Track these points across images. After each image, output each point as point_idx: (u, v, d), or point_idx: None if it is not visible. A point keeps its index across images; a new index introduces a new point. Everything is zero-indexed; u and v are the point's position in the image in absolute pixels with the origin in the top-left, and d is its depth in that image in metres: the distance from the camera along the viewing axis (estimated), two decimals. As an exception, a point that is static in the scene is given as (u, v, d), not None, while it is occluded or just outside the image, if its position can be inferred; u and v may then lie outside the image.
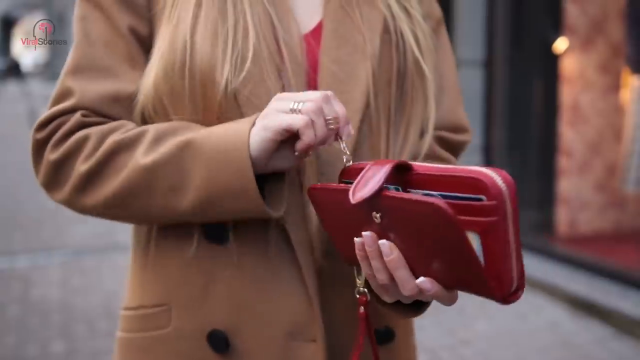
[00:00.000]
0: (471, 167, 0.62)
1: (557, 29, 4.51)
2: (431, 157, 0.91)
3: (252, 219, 0.79)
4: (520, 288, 0.62)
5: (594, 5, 4.63)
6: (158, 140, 0.78)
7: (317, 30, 0.86)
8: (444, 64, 0.95)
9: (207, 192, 0.76)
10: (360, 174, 0.67)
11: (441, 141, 0.94)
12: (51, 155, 0.82)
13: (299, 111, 0.73)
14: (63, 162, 0.81)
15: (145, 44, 0.84)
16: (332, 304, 0.84)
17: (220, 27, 0.80)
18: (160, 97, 0.81)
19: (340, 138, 0.75)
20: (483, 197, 0.59)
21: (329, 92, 0.75)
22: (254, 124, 0.76)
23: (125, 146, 0.79)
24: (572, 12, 4.59)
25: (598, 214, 4.78)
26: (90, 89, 0.82)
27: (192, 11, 0.80)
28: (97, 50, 0.83)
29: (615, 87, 4.65)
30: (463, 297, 0.71)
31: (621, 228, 4.85)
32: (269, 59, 0.80)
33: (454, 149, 0.96)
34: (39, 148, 0.83)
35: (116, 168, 0.79)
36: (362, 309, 0.78)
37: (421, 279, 0.65)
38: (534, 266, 4.05)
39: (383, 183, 0.64)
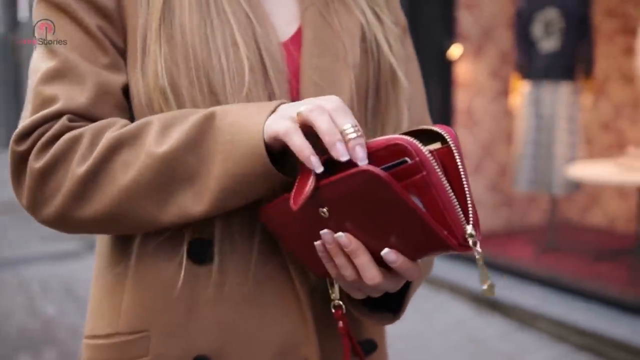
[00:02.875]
0: (388, 137, 0.63)
1: (451, 36, 4.69)
2: None
3: (240, 234, 0.76)
4: (476, 227, 0.62)
5: (484, 14, 4.86)
6: (166, 129, 0.70)
7: (296, 38, 0.83)
8: (412, 72, 0.94)
9: (226, 182, 0.69)
10: (297, 179, 0.66)
11: None
12: (36, 163, 0.71)
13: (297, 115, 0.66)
14: (52, 169, 0.71)
15: (117, 47, 0.78)
16: (323, 321, 0.81)
17: (210, 34, 0.75)
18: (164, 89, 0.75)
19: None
20: (406, 158, 0.60)
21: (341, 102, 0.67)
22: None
23: (128, 139, 0.70)
24: (464, 21, 4.79)
25: (491, 213, 5.01)
26: (75, 92, 0.74)
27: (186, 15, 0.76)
28: (71, 53, 0.75)
29: (504, 92, 4.90)
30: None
31: (512, 226, 5.12)
32: (251, 67, 0.76)
33: None
34: (21, 162, 0.73)
35: (122, 164, 0.70)
36: (340, 323, 0.76)
37: (385, 250, 0.64)
38: (437, 266, 4.17)
39: (316, 178, 0.63)
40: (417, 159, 0.60)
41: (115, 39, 0.77)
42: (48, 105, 0.73)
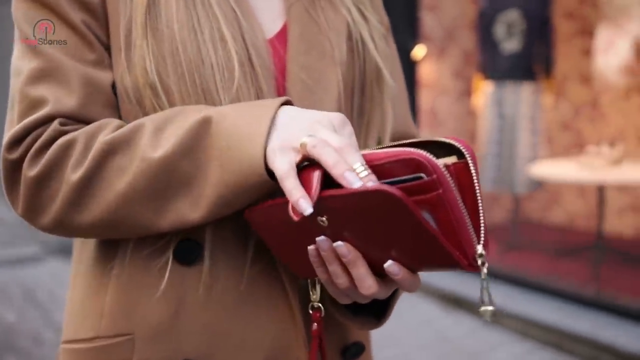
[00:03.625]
0: (400, 147, 0.61)
1: (414, 37, 4.72)
2: None
3: (229, 236, 0.74)
4: (485, 246, 0.61)
5: (447, 15, 4.92)
6: (159, 130, 0.68)
7: (282, 35, 0.81)
8: (395, 71, 0.94)
9: (222, 191, 0.67)
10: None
11: None
12: (30, 171, 0.69)
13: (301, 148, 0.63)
14: (47, 176, 0.69)
15: (101, 42, 0.75)
16: (310, 322, 0.79)
17: (197, 28, 0.74)
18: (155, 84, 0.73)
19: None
20: (422, 174, 0.59)
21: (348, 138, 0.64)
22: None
23: (122, 143, 0.69)
24: (427, 22, 4.84)
25: (455, 212, 5.05)
26: (63, 93, 0.72)
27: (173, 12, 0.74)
28: (57, 52, 0.73)
29: (467, 92, 4.97)
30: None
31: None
32: (239, 63, 0.75)
33: None
34: (14, 170, 0.70)
35: (117, 169, 0.68)
36: (315, 325, 0.75)
37: (389, 262, 0.63)
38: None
39: (319, 189, 0.61)
40: (435, 176, 0.58)
41: (99, 34, 0.75)
42: (36, 109, 0.71)
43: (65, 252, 4.87)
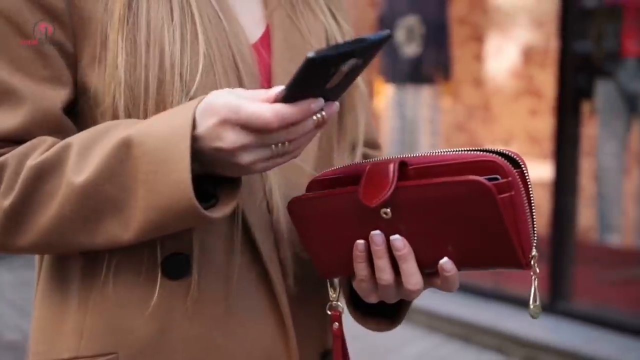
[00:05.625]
0: (470, 151, 0.66)
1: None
2: None
3: (217, 247, 0.73)
4: (536, 248, 0.67)
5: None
6: (86, 151, 0.67)
7: (265, 40, 0.80)
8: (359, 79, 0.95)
9: (150, 215, 0.66)
10: (363, 178, 0.67)
11: (364, 158, 0.93)
12: None
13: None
14: None
15: (65, 52, 0.71)
16: (300, 328, 0.79)
17: (167, 29, 0.71)
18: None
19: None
20: (497, 176, 0.63)
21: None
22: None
23: (49, 168, 0.67)
24: (329, 25, 4.90)
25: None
26: (6, 114, 0.69)
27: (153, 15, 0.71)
28: (7, 65, 0.69)
29: (369, 95, 5.07)
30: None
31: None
32: (223, 68, 0.73)
33: None
34: None
35: (46, 195, 0.67)
36: (336, 325, 0.76)
37: (445, 259, 0.66)
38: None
39: (397, 179, 0.65)
40: (510, 179, 0.63)
41: (63, 42, 0.71)
42: None
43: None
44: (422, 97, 4.43)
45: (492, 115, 5.23)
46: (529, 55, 4.97)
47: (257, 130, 0.62)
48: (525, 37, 4.98)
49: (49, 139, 0.70)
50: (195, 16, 0.73)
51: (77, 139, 0.68)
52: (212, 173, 0.68)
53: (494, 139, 5.02)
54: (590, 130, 3.83)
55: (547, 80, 4.70)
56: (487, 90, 5.23)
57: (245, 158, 0.64)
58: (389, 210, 0.66)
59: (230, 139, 0.63)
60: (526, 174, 0.65)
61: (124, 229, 0.67)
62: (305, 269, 0.78)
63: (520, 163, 0.65)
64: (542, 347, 3.10)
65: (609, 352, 2.93)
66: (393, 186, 0.64)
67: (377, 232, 0.67)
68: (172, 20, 0.72)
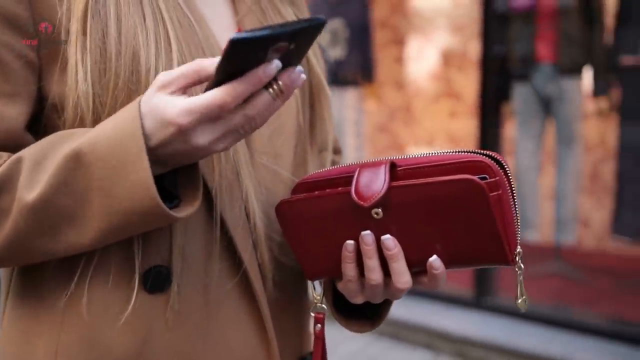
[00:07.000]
0: (455, 153, 0.68)
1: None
2: None
3: (196, 255, 0.71)
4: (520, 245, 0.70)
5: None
6: (37, 165, 0.64)
7: None
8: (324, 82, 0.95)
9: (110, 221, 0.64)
10: (354, 179, 0.68)
11: (332, 164, 0.94)
12: None
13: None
14: None
15: (27, 60, 0.68)
16: (279, 333, 0.79)
17: (140, 33, 0.69)
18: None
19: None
20: (486, 175, 0.65)
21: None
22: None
23: (1, 185, 0.66)
24: (252, 27, 4.87)
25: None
26: None
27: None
28: None
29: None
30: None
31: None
32: None
33: None
34: None
35: (1, 212, 0.66)
36: (318, 327, 0.76)
37: (434, 257, 0.67)
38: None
39: (390, 179, 0.66)
40: (498, 178, 0.65)
41: (26, 53, 0.68)
42: None
43: None
44: (347, 99, 4.48)
45: (413, 117, 5.35)
46: (448, 58, 5.12)
47: (216, 117, 0.60)
48: (444, 41, 5.13)
49: (3, 154, 0.67)
50: (166, 21, 0.71)
51: (28, 153, 0.66)
52: (172, 168, 0.66)
53: (415, 140, 5.13)
54: (510, 131, 3.99)
55: (466, 83, 4.86)
56: (408, 92, 5.35)
57: (201, 139, 0.61)
58: (380, 210, 0.67)
59: (194, 133, 0.61)
60: (509, 174, 0.67)
61: (83, 236, 0.65)
62: (283, 273, 0.78)
63: (504, 164, 0.68)
64: (470, 342, 3.20)
65: (534, 344, 3.06)
66: (387, 185, 0.65)
67: (368, 232, 0.68)
68: (145, 24, 0.69)
